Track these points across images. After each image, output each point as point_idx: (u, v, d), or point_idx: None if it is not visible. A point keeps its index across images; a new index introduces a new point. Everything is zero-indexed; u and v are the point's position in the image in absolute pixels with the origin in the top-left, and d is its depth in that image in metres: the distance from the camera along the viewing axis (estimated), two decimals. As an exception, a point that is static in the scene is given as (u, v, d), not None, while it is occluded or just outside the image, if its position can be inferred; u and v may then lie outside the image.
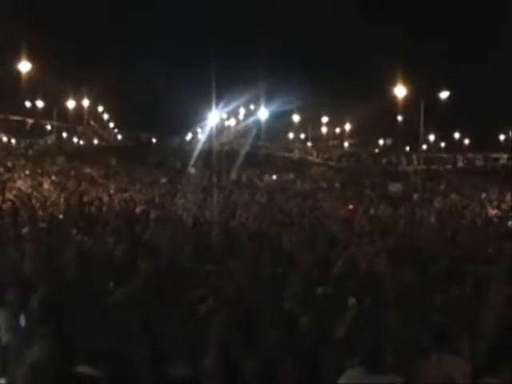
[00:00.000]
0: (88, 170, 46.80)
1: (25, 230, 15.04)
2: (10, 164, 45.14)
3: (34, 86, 49.63)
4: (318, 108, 73.89)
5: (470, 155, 71.02)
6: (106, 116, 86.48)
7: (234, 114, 79.27)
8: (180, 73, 65.18)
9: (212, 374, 6.98)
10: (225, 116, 75.11)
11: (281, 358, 7.06)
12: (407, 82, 44.68)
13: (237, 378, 6.92)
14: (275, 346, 7.28)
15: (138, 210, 22.89)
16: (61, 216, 19.61)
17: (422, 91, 44.79)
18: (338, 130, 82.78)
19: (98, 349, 6.63)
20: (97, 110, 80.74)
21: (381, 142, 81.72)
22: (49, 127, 71.78)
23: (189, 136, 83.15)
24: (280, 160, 65.12)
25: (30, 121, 67.96)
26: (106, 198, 28.07)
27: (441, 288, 9.48)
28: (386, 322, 7.80)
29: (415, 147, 59.52)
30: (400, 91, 44.67)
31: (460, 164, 68.54)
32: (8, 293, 8.45)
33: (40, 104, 69.28)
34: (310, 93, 63.58)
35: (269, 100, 59.68)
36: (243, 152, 53.83)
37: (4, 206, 22.44)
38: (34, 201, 24.95)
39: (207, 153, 45.15)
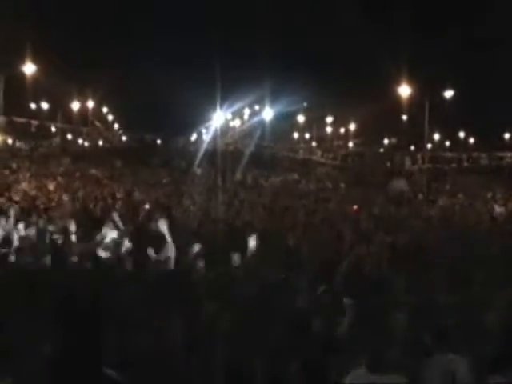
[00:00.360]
0: (93, 171, 46.80)
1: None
2: (14, 166, 45.19)
3: (39, 87, 49.76)
4: (323, 108, 73.93)
5: (474, 154, 70.85)
6: (110, 117, 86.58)
7: (238, 114, 79.37)
8: (185, 73, 65.31)
9: (220, 375, 7.00)
10: (229, 116, 75.12)
11: (289, 359, 7.08)
12: (412, 81, 44.68)
13: (245, 380, 6.95)
14: (282, 348, 7.30)
15: (142, 211, 22.87)
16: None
17: (427, 90, 44.76)
18: (342, 130, 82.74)
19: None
20: (101, 112, 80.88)
21: (385, 141, 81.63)
22: (54, 129, 71.92)
23: (193, 137, 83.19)
24: (285, 160, 65.04)
25: (34, 123, 68.07)
26: (110, 201, 28.07)
27: (444, 287, 9.49)
28: (389, 322, 7.81)
29: (420, 146, 59.52)
30: (404, 90, 44.66)
31: (465, 163, 68.38)
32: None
33: (45, 106, 69.45)
34: (314, 93, 63.72)
35: (273, 100, 59.78)
36: (248, 152, 53.83)
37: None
38: (38, 202, 24.98)
39: (212, 153, 45.14)
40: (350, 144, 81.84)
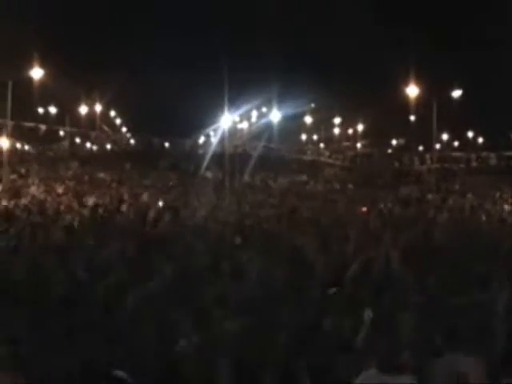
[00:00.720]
0: (101, 174, 46.92)
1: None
2: (23, 170, 45.35)
3: (47, 92, 49.88)
4: (331, 109, 73.84)
5: (483, 154, 70.61)
6: (118, 121, 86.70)
7: (246, 116, 79.33)
8: (192, 76, 65.16)
9: (229, 379, 6.97)
10: (237, 119, 75.12)
11: (299, 359, 7.06)
12: (419, 81, 44.61)
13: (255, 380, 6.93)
14: (292, 348, 7.28)
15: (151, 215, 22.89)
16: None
17: (435, 90, 44.71)
18: (350, 131, 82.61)
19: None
20: (109, 115, 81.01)
21: (394, 142, 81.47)
22: (62, 133, 72.12)
23: (201, 139, 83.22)
24: (293, 162, 65.03)
25: (43, 127, 68.23)
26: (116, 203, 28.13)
27: (454, 287, 9.45)
28: (400, 323, 7.77)
29: (428, 147, 59.41)
30: (412, 91, 44.60)
31: (474, 163, 68.17)
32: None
33: (53, 110, 69.64)
34: (322, 94, 63.62)
35: (281, 102, 59.73)
36: (256, 154, 53.89)
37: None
38: (47, 206, 25.04)
39: (220, 155, 45.23)
40: (358, 145, 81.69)
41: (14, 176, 40.87)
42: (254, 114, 79.97)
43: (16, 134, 55.02)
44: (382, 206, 30.21)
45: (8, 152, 40.06)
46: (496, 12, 57.29)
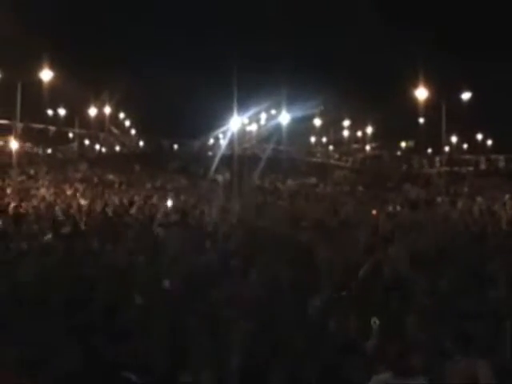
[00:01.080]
0: (111, 176, 46.99)
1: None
2: (32, 172, 45.45)
3: (56, 94, 49.96)
4: (340, 111, 73.78)
5: (492, 156, 70.39)
6: (127, 123, 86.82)
7: (255, 118, 79.32)
8: (201, 79, 65.29)
9: (237, 378, 6.97)
10: (246, 121, 75.10)
11: (307, 364, 7.04)
12: (428, 83, 44.47)
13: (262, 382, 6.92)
14: (301, 353, 7.26)
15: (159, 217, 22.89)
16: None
17: (444, 93, 44.59)
18: (359, 133, 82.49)
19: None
20: (118, 117, 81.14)
21: (403, 144, 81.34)
22: (71, 135, 72.29)
23: (211, 141, 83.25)
24: (302, 164, 64.98)
25: (52, 129, 68.39)
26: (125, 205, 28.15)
27: (465, 289, 9.43)
28: (410, 324, 7.76)
29: (437, 149, 59.25)
30: (421, 93, 44.46)
31: (483, 165, 67.96)
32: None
33: (62, 112, 69.80)
34: (331, 96, 63.57)
35: (290, 104, 59.62)
36: (265, 157, 53.87)
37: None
38: (56, 208, 25.03)
39: (229, 158, 45.19)
40: (367, 147, 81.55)
41: (22, 177, 40.93)
42: (263, 116, 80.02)
43: (25, 136, 55.17)
44: (390, 208, 30.20)
45: (17, 153, 40.11)
46: (506, 14, 57.16)
